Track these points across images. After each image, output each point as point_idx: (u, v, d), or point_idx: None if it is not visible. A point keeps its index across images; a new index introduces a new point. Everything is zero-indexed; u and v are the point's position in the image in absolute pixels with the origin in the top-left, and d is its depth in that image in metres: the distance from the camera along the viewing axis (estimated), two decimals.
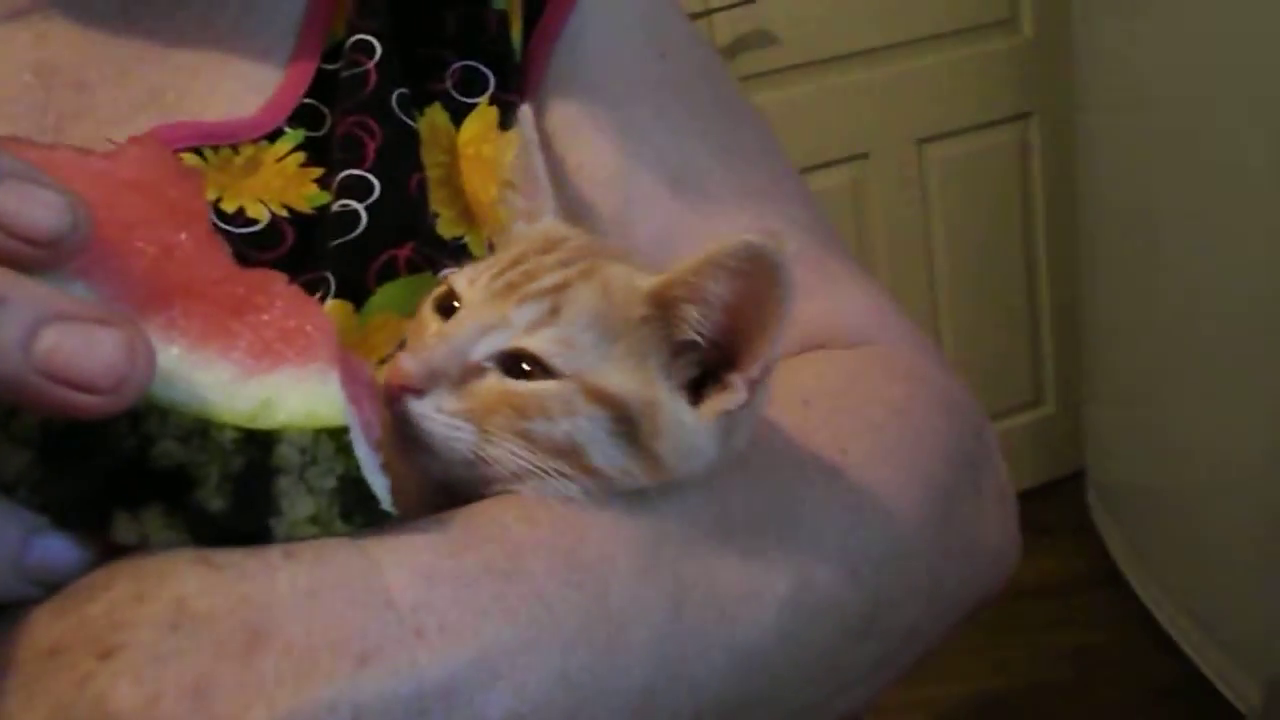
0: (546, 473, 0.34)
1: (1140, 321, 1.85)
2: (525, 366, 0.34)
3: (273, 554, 0.28)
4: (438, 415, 0.33)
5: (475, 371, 0.34)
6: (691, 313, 0.35)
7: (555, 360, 0.34)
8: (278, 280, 0.30)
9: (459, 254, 0.49)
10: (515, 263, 0.38)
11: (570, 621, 0.31)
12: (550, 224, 0.43)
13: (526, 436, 0.34)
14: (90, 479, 0.26)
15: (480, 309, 0.36)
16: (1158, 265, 1.74)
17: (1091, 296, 2.08)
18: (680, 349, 0.36)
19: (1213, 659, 1.73)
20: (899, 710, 1.67)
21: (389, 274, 0.46)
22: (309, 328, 0.29)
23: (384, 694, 0.27)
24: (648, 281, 0.36)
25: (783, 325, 0.34)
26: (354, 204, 0.47)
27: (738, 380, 0.35)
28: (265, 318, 0.29)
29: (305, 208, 0.47)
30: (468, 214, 0.51)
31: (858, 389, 0.47)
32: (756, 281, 0.33)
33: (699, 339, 0.35)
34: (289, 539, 0.28)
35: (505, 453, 0.33)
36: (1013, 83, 2.17)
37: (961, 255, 2.26)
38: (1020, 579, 0.52)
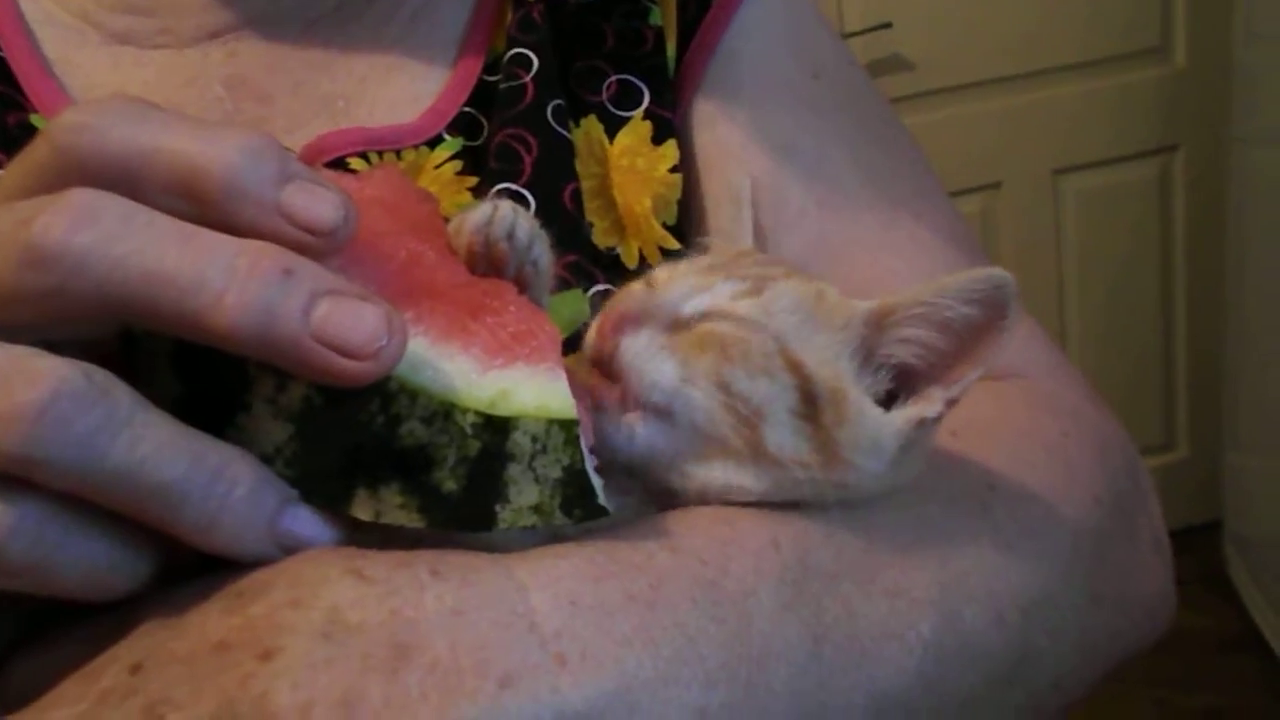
0: (729, 439, 0.34)
1: None
2: None
3: (421, 570, 0.28)
4: (647, 346, 0.34)
5: (684, 324, 0.36)
6: (918, 333, 0.36)
7: (758, 320, 0.35)
8: (509, 290, 0.32)
9: (612, 265, 0.50)
10: (719, 255, 0.40)
11: (712, 656, 0.30)
12: (748, 247, 0.45)
13: (725, 389, 0.34)
14: (340, 455, 0.28)
15: (687, 277, 0.38)
16: None
17: (1237, 340, 1.98)
18: (873, 367, 0.36)
19: None
20: None
21: None
22: (539, 332, 0.31)
23: (524, 718, 0.27)
24: (866, 303, 0.37)
25: (995, 354, 0.35)
26: None
27: (938, 393, 0.36)
28: (500, 320, 0.31)
29: None
30: (620, 225, 0.51)
31: (1008, 423, 0.46)
32: (990, 310, 0.35)
33: (913, 361, 0.36)
34: (511, 526, 0.29)
35: (702, 397, 0.34)
36: (1159, 113, 2.09)
37: (1093, 291, 2.19)
38: None
